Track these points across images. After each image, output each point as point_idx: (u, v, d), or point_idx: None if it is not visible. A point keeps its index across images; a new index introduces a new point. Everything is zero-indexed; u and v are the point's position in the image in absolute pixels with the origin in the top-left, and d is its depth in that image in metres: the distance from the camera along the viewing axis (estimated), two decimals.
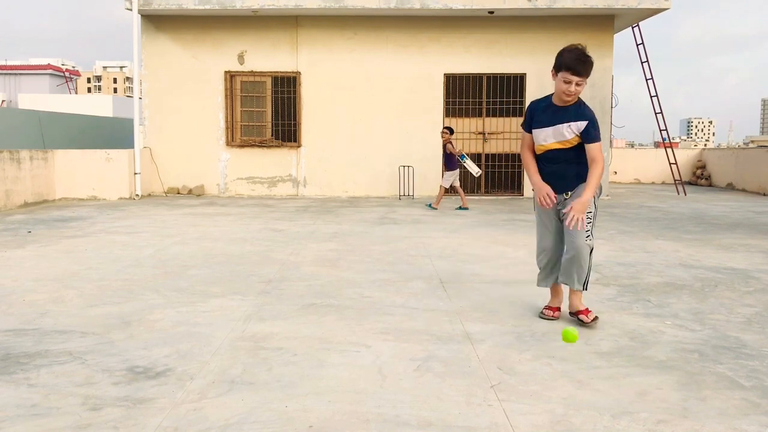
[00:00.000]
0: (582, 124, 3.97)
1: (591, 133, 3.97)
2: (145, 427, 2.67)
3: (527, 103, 13.71)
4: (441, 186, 11.53)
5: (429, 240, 7.73)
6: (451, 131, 11.47)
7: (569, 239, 4.11)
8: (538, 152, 4.16)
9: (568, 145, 4.03)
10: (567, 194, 4.12)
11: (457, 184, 11.41)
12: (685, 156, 19.54)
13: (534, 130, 4.13)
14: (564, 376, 3.26)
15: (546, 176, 4.13)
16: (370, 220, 9.63)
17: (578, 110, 4.01)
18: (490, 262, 6.31)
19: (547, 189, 4.04)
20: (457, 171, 11.32)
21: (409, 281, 5.45)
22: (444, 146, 11.38)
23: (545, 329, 4.08)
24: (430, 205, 11.55)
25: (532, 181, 4.16)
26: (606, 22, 13.56)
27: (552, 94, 4.12)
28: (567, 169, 4.08)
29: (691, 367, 3.41)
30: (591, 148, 3.97)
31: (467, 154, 11.80)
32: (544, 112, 4.09)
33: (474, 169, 11.35)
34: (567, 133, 4.00)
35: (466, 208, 11.25)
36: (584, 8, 12.79)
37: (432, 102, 13.80)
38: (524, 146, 4.26)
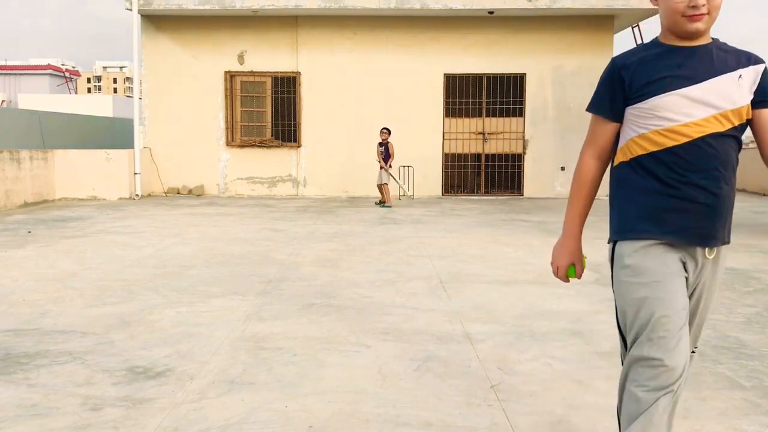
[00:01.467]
0: (758, 71, 1.98)
1: None
2: (145, 427, 2.67)
3: (527, 104, 13.79)
4: (383, 184, 11.99)
5: (429, 240, 7.73)
6: (389, 132, 12.16)
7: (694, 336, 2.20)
8: (648, 151, 1.99)
9: (728, 127, 1.95)
10: (711, 252, 2.01)
11: (389, 181, 12.07)
12: None
13: (654, 100, 1.95)
14: (564, 376, 3.26)
15: (675, 212, 1.95)
16: (370, 220, 9.63)
17: (736, 51, 2.02)
18: (490, 262, 6.31)
19: (573, 258, 2.15)
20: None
21: (409, 281, 5.45)
22: (385, 145, 11.98)
23: (545, 329, 4.08)
24: (383, 204, 11.90)
25: (566, 224, 2.18)
26: (606, 22, 13.56)
27: (654, 39, 2.07)
28: (723, 190, 1.96)
29: (691, 368, 3.41)
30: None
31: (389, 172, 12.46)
32: (668, 62, 1.97)
33: (402, 186, 12.45)
34: (740, 92, 1.95)
35: (390, 206, 11.78)
36: (584, 8, 12.80)
37: (432, 102, 13.80)
38: (591, 147, 2.13)
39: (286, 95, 13.91)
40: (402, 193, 13.05)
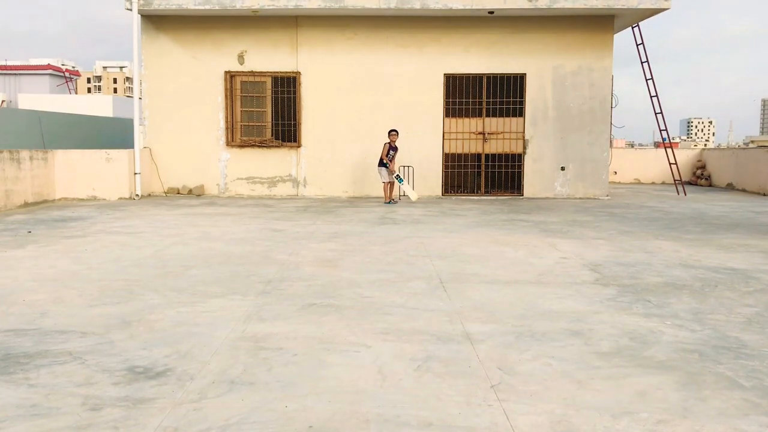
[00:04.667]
0: None
1: None
2: (145, 427, 2.67)
3: (527, 104, 13.79)
4: (387, 182, 12.63)
5: (429, 240, 7.72)
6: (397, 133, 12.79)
7: None
8: None
9: None
10: None
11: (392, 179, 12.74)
12: (685, 156, 19.53)
13: None
14: (564, 376, 3.26)
15: None
16: (369, 220, 9.62)
17: None
18: (490, 262, 6.31)
19: None
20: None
21: (409, 281, 5.45)
22: (394, 146, 12.48)
23: (545, 329, 4.08)
24: (389, 202, 12.59)
25: None
26: (606, 22, 13.55)
27: None
28: None
29: (691, 367, 3.41)
30: None
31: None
32: None
33: (412, 195, 12.82)
34: None
35: (396, 202, 12.72)
36: (584, 8, 12.79)
37: (432, 102, 13.79)
38: None
39: (286, 95, 13.91)
40: (402, 193, 13.19)
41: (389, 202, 12.54)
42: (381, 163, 12.50)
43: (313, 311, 4.48)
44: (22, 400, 2.93)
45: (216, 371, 3.30)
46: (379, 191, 13.69)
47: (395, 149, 12.56)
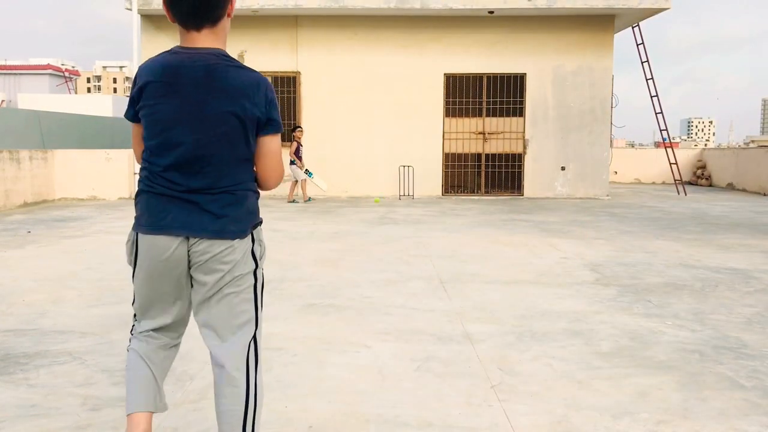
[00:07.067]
0: None
1: None
2: None
3: (527, 104, 13.79)
4: (294, 181, 12.71)
5: (429, 240, 7.72)
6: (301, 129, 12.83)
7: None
8: None
9: None
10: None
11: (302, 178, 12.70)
12: (685, 156, 19.53)
13: None
14: (564, 377, 3.26)
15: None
16: (370, 220, 9.62)
17: None
18: (490, 262, 6.31)
19: None
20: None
21: (409, 281, 5.45)
22: (300, 144, 12.59)
23: (545, 329, 4.07)
24: (295, 201, 12.64)
25: None
26: (606, 22, 13.55)
27: None
28: None
29: (692, 368, 3.41)
30: None
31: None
32: None
33: (323, 185, 12.81)
34: None
35: (312, 200, 12.93)
36: (584, 8, 12.79)
37: (432, 102, 13.79)
38: None
39: (286, 95, 13.90)
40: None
41: (294, 201, 12.58)
42: (292, 162, 12.39)
43: (313, 311, 4.48)
44: (22, 400, 2.92)
45: None
46: (378, 191, 13.70)
47: (301, 146, 12.62)
